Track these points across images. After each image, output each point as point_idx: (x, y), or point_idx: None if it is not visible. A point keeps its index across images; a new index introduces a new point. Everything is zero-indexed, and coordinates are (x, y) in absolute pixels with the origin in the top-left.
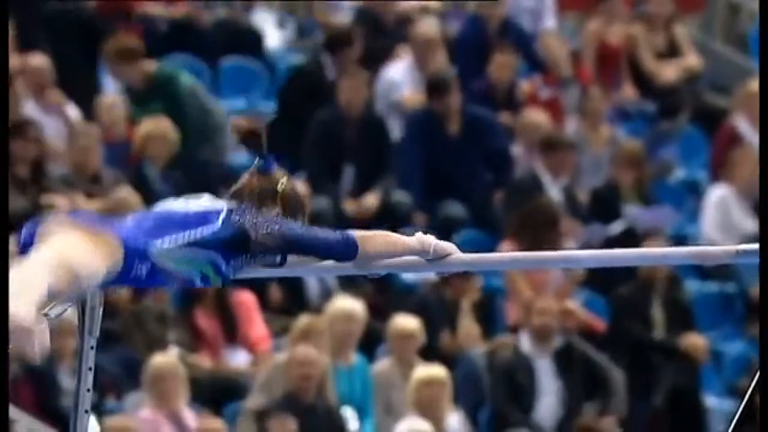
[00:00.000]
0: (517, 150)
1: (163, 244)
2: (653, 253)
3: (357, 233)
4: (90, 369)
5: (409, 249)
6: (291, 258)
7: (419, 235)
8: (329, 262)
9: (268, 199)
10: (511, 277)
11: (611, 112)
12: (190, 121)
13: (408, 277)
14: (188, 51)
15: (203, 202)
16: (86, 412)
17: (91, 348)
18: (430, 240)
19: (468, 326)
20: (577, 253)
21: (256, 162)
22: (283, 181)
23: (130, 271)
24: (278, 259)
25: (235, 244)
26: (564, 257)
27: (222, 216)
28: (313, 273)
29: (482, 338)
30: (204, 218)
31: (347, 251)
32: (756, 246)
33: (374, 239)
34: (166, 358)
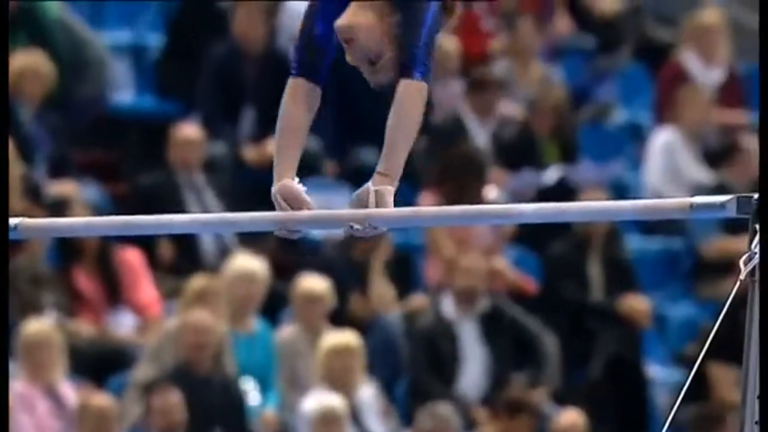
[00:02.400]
0: (438, 90)
1: None
2: (598, 207)
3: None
4: None
5: (402, 151)
6: None
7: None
8: (239, 217)
9: None
10: (431, 232)
11: (544, 47)
12: (61, 56)
13: (315, 233)
14: None
15: None
16: None
17: None
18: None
19: (381, 287)
20: (516, 207)
21: None
22: None
23: None
24: None
25: None
26: (500, 211)
27: None
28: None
29: (398, 301)
30: None
31: (419, 68)
32: (712, 199)
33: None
34: (41, 324)
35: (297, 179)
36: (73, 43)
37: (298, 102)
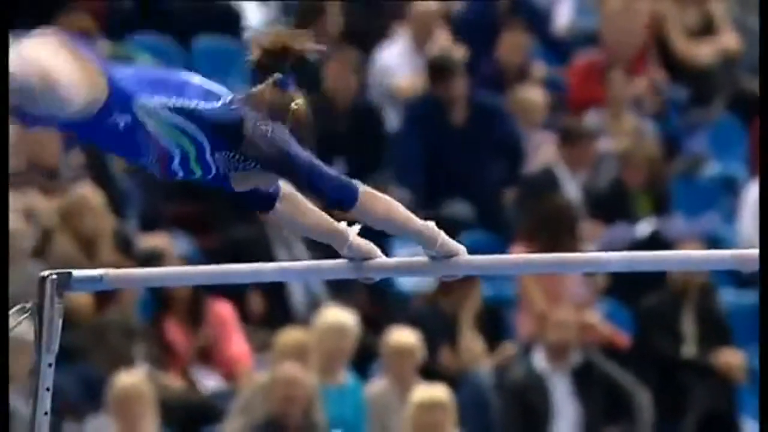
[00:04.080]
0: (530, 141)
1: (152, 99)
2: (687, 256)
3: (363, 186)
4: (48, 389)
5: (414, 229)
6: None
7: (430, 222)
8: (322, 264)
9: (278, 113)
10: (523, 284)
11: (636, 98)
12: None
13: (405, 283)
14: (156, 29)
15: (215, 84)
16: None
17: (49, 366)
18: (440, 232)
19: (471, 340)
20: (602, 255)
21: (275, 75)
22: (298, 101)
23: (108, 117)
24: (258, 168)
25: (227, 133)
26: (588, 260)
27: (225, 99)
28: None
29: (488, 354)
30: (206, 93)
31: (344, 194)
32: None
33: (380, 199)
34: (132, 377)
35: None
36: None
37: None
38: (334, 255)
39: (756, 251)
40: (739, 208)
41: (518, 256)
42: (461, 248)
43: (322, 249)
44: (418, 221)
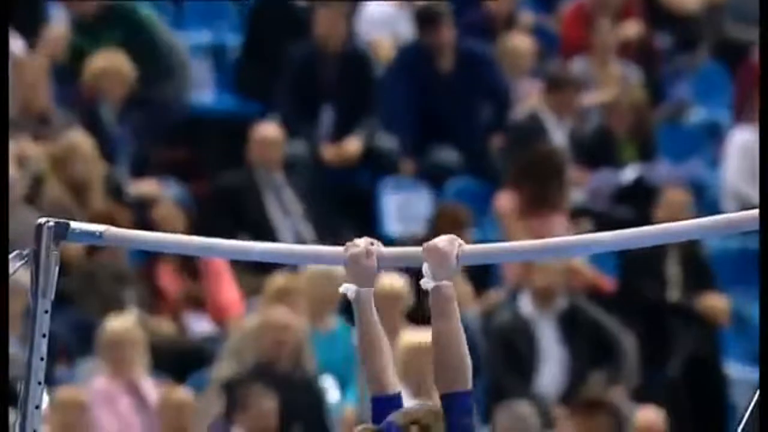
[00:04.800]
0: (517, 88)
1: None
2: (683, 227)
3: None
4: (44, 336)
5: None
6: None
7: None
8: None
9: None
10: (509, 231)
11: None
12: (148, 57)
13: (393, 228)
14: None
15: None
16: (39, 384)
17: (45, 312)
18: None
19: (458, 285)
20: (600, 236)
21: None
22: None
23: None
24: None
25: None
26: (586, 241)
27: None
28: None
29: (476, 299)
30: None
31: None
32: None
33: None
34: (123, 321)
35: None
36: (156, 44)
37: None
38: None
39: (748, 212)
40: (723, 154)
41: (516, 243)
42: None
43: (308, 194)
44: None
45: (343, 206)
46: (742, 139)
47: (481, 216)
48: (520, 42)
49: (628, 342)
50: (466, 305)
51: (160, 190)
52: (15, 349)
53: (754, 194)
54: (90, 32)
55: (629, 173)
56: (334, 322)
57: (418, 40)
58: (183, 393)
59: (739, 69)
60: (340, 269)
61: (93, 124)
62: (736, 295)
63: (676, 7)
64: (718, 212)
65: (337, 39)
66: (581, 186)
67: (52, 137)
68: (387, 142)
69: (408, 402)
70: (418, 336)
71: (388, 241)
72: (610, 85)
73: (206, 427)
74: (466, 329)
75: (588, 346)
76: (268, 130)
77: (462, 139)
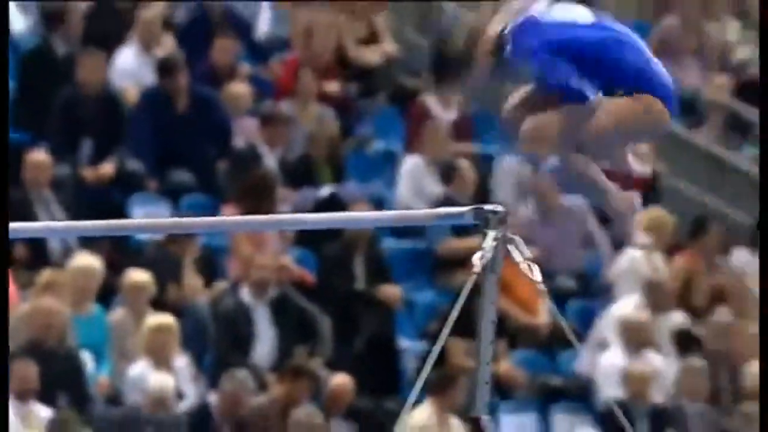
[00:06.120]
0: (239, 124)
1: None
2: (365, 216)
3: None
4: None
5: None
6: None
7: None
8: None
9: None
10: (233, 236)
11: (320, 93)
12: None
13: (140, 236)
14: None
15: None
16: None
17: None
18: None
19: (192, 279)
20: (303, 216)
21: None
22: None
23: None
24: None
25: None
26: (293, 220)
27: None
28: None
29: (206, 290)
30: None
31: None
32: (455, 210)
33: None
34: None
35: None
36: None
37: None
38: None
39: (417, 212)
40: (398, 176)
41: (233, 217)
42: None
43: (72, 208)
44: None
45: (101, 217)
46: (412, 163)
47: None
48: (240, 88)
49: (325, 323)
50: (197, 295)
51: None
52: None
53: (418, 206)
54: None
55: (325, 191)
56: (92, 308)
57: (159, 85)
58: None
59: (409, 110)
60: (97, 265)
61: None
62: (407, 286)
63: (362, 62)
64: None
65: (95, 83)
66: (288, 201)
67: None
68: (135, 165)
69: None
70: (160, 319)
71: (136, 246)
72: (310, 121)
73: None
74: (197, 315)
75: (293, 326)
76: (39, 155)
77: (195, 164)
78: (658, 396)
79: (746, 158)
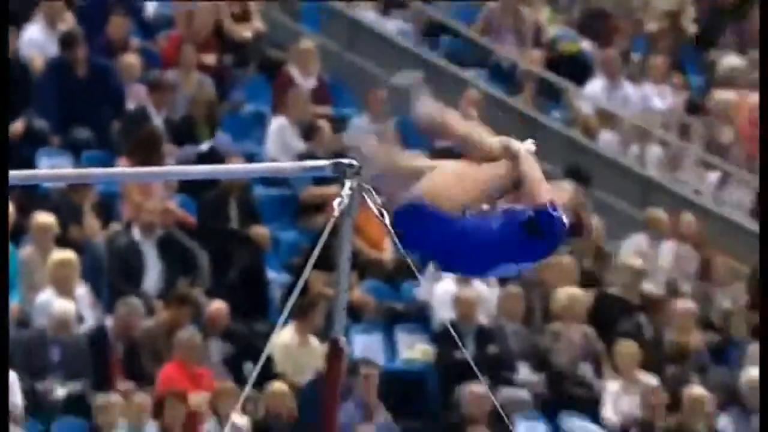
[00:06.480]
0: (131, 89)
1: None
2: (239, 168)
3: None
4: None
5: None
6: None
7: None
8: None
9: None
10: (125, 185)
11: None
12: None
13: (46, 184)
14: None
15: None
16: None
17: None
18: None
19: (91, 220)
20: (186, 168)
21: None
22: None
23: None
24: None
25: None
26: (177, 171)
27: None
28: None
29: (103, 230)
30: None
31: None
32: (319, 163)
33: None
34: None
35: None
36: None
37: None
38: None
39: (280, 164)
40: (266, 135)
41: (126, 169)
42: None
43: None
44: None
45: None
46: (278, 124)
47: None
48: (132, 59)
49: (204, 258)
50: (95, 235)
51: None
52: None
53: (284, 159)
54: None
55: (204, 146)
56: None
57: (61, 56)
58: None
59: (276, 78)
60: (9, 211)
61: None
62: (274, 227)
63: (235, 37)
64: None
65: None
66: (173, 155)
67: None
68: (41, 124)
69: None
70: (63, 255)
71: (42, 192)
72: (191, 88)
73: None
74: (95, 251)
75: (177, 260)
76: None
77: (93, 123)
78: (482, 317)
79: (555, 119)
